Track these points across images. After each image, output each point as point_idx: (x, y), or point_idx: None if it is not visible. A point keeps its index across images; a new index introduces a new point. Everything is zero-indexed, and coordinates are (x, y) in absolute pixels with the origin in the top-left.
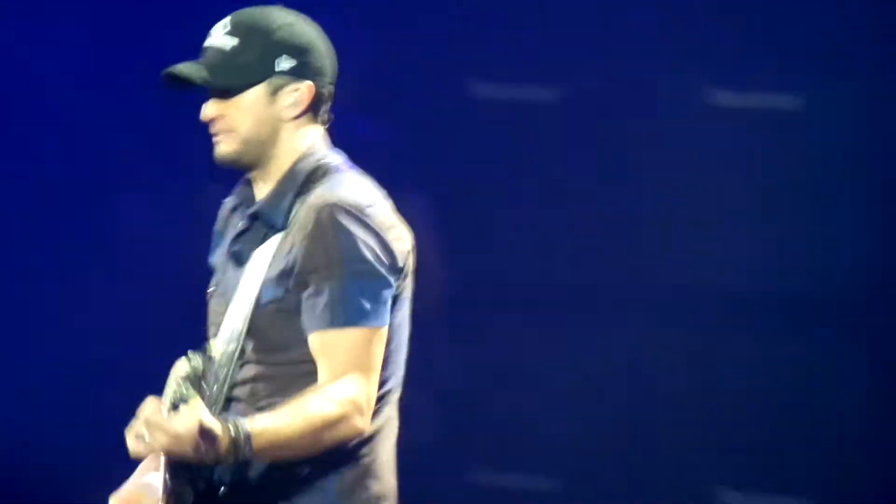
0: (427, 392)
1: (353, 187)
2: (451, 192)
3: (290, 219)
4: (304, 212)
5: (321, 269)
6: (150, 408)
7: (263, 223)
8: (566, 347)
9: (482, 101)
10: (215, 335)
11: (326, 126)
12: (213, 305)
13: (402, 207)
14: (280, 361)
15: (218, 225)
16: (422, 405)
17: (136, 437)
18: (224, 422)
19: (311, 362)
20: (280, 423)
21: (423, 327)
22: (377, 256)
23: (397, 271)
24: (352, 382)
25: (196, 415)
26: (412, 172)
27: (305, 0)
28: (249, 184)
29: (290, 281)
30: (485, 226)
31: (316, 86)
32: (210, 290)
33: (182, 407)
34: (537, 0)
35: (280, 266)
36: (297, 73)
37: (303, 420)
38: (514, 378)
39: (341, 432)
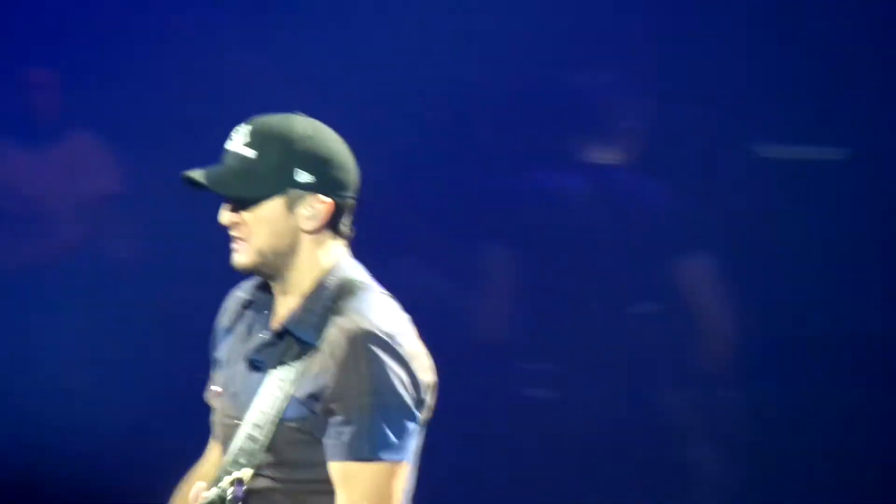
0: None
1: (384, 312)
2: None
3: (321, 336)
4: (335, 334)
5: (351, 398)
6: None
7: (292, 339)
8: None
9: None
10: (221, 437)
11: (349, 239)
12: (222, 407)
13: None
14: (297, 479)
15: (224, 319)
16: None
17: None
18: None
19: (327, 483)
20: None
21: None
22: (406, 389)
23: (422, 404)
24: None
25: None
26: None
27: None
28: (267, 287)
29: (317, 404)
30: None
31: (335, 201)
32: (215, 388)
33: None
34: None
35: (309, 388)
36: (316, 187)
37: None
38: None
39: None
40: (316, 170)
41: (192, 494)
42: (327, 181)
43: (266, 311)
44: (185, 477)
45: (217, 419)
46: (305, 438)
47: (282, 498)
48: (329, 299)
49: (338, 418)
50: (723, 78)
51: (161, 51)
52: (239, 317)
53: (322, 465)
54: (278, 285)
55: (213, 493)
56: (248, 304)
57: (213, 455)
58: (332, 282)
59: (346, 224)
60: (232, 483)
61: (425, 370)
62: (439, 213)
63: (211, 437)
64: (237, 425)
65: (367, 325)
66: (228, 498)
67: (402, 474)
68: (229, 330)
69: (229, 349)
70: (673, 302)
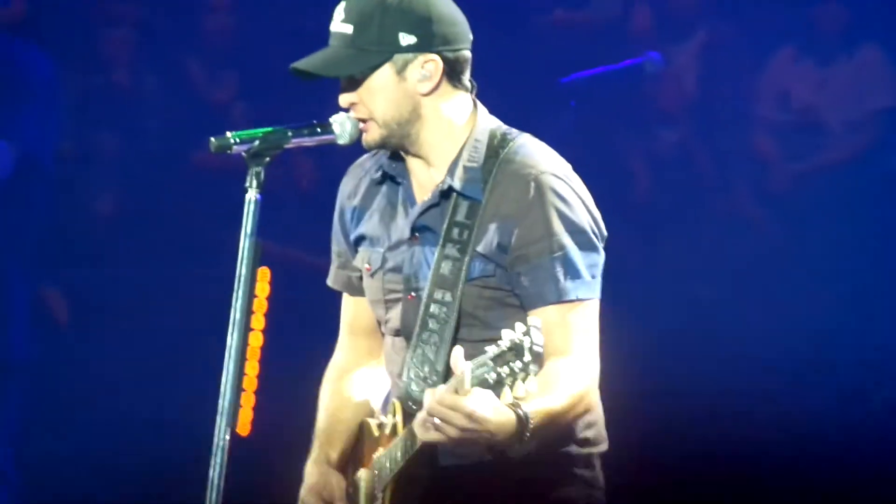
0: None
1: (550, 154)
2: None
3: (487, 190)
4: (508, 182)
5: (542, 241)
6: (440, 392)
7: (459, 198)
8: None
9: None
10: (381, 313)
11: (473, 92)
12: (381, 284)
13: None
14: (490, 338)
15: (353, 199)
16: None
17: (425, 424)
18: (510, 405)
19: None
20: (550, 403)
21: None
22: (590, 226)
23: (604, 239)
24: (588, 357)
25: (489, 396)
26: None
27: None
28: (396, 157)
29: (505, 256)
30: None
31: (445, 56)
32: (368, 266)
33: (476, 390)
34: None
35: (492, 241)
36: (422, 47)
37: (565, 398)
38: None
39: (585, 405)
40: (417, 30)
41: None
42: (432, 39)
43: (405, 182)
44: (330, 377)
45: (376, 296)
46: (494, 295)
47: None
48: (487, 152)
49: (530, 264)
50: None
51: None
52: (372, 194)
53: (510, 321)
54: (416, 153)
55: (506, 343)
56: (381, 179)
57: (356, 347)
58: (481, 134)
59: (465, 78)
60: (527, 332)
61: (597, 208)
62: None
63: (346, 331)
64: (408, 298)
65: (542, 168)
66: (531, 345)
67: (597, 311)
68: (363, 208)
69: (374, 225)
70: None
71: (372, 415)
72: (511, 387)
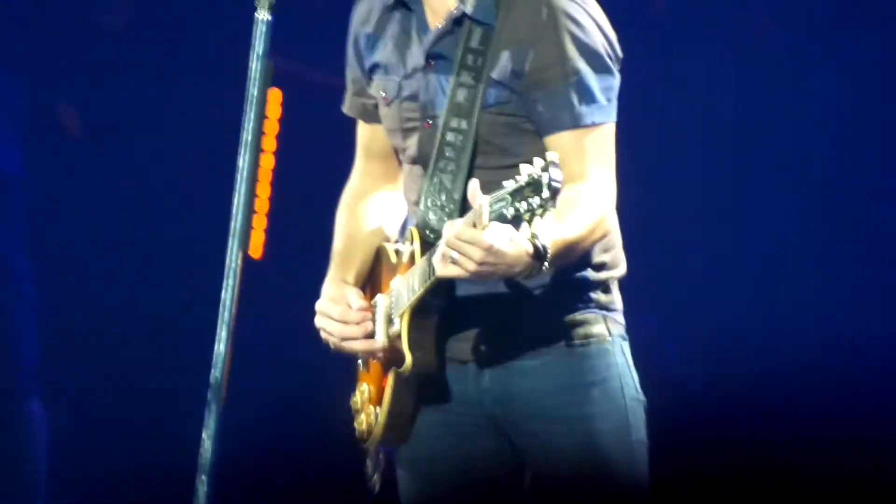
0: None
1: None
2: None
3: (499, 14)
4: (521, 5)
5: (557, 64)
6: (458, 226)
7: (472, 23)
8: None
9: None
10: (398, 141)
11: None
12: (398, 112)
13: None
14: (507, 165)
15: (365, 25)
16: None
17: (444, 258)
18: (528, 237)
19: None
20: (568, 232)
21: None
22: (606, 49)
23: (619, 61)
24: (606, 181)
25: (507, 229)
26: None
27: None
28: None
29: (519, 81)
30: None
31: None
32: (384, 95)
33: (494, 223)
34: None
35: (507, 67)
36: None
37: (583, 225)
38: None
39: (603, 230)
40: None
41: (472, 194)
42: None
43: (417, 7)
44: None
45: (390, 126)
46: (509, 122)
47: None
48: None
49: (544, 90)
50: None
51: None
52: (385, 20)
53: (527, 147)
54: None
55: (524, 178)
56: (393, 6)
57: (371, 171)
58: None
59: None
60: (546, 167)
61: (612, 28)
62: None
63: (361, 155)
64: (424, 126)
65: None
66: (549, 181)
67: (613, 134)
68: (377, 35)
69: (389, 53)
70: None
71: (388, 240)
72: (529, 222)
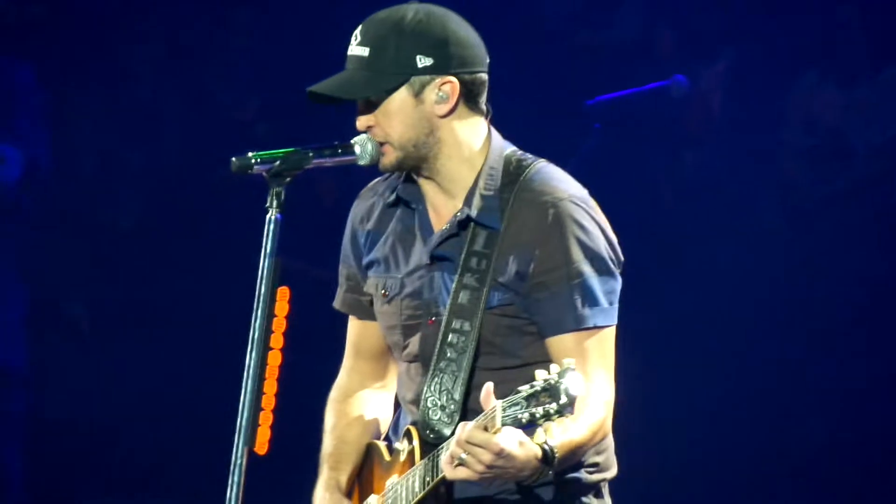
0: None
1: (567, 179)
2: None
3: (504, 218)
4: (526, 210)
5: (560, 267)
6: (469, 429)
7: (477, 227)
8: None
9: None
10: (397, 341)
11: (488, 117)
12: (397, 309)
13: None
14: (507, 366)
15: (365, 222)
16: None
17: (453, 460)
18: (538, 440)
19: (536, 365)
20: (573, 435)
21: None
22: (608, 252)
23: (621, 265)
24: (605, 384)
25: (517, 432)
26: None
27: None
28: (410, 180)
29: (524, 283)
30: None
31: (462, 78)
32: (385, 292)
33: (506, 428)
34: None
35: (511, 269)
36: (439, 69)
37: (587, 428)
38: None
39: (603, 433)
40: (434, 52)
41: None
42: (449, 60)
43: (420, 207)
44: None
45: (390, 323)
46: (512, 323)
47: (507, 387)
48: (503, 179)
49: (548, 292)
50: None
51: None
52: (386, 217)
53: (528, 349)
54: (433, 177)
55: (540, 383)
56: (395, 203)
57: (360, 370)
58: (496, 161)
59: (482, 101)
60: (563, 374)
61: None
62: None
63: (351, 353)
64: (428, 323)
65: (560, 195)
66: (567, 387)
67: (613, 337)
68: (377, 232)
69: (389, 251)
70: None
71: (379, 437)
72: (545, 428)
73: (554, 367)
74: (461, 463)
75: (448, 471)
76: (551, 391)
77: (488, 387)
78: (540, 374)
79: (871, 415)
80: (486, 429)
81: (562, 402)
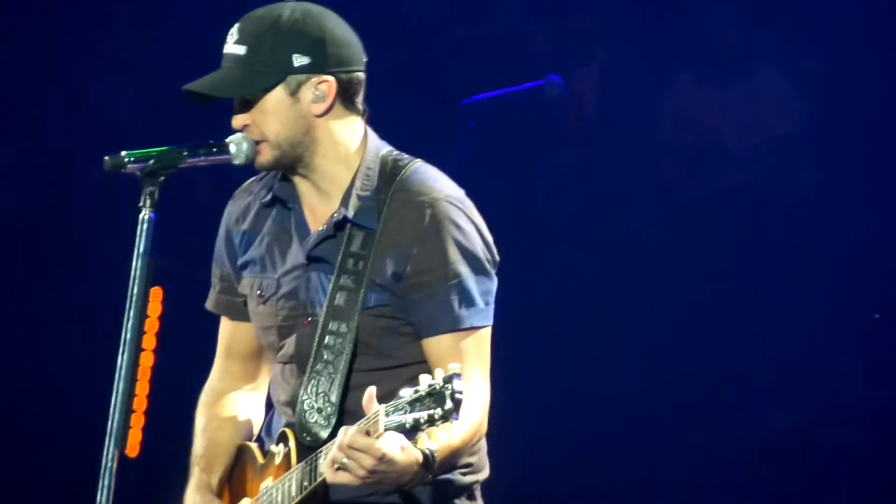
0: None
1: (443, 180)
2: None
3: (381, 219)
4: (402, 210)
5: (437, 268)
6: (351, 434)
7: (354, 227)
8: None
9: None
10: (271, 341)
11: (365, 116)
12: (273, 310)
13: None
14: (384, 367)
15: (241, 222)
16: None
17: (335, 464)
18: (416, 443)
19: (413, 366)
20: (452, 438)
21: None
22: (486, 253)
23: (496, 265)
24: (482, 385)
25: (399, 437)
26: None
27: None
28: (286, 180)
29: (400, 284)
30: None
31: (339, 78)
32: (260, 292)
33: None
34: None
35: (388, 270)
36: (315, 68)
37: (465, 431)
38: None
39: (480, 434)
40: (310, 51)
41: (367, 401)
42: (325, 60)
43: (296, 206)
44: (206, 401)
45: (265, 324)
46: (388, 324)
47: (384, 387)
48: (380, 180)
49: (425, 292)
50: None
51: None
52: (261, 217)
53: (404, 350)
54: (309, 177)
55: (424, 388)
56: (270, 202)
57: (231, 371)
58: (372, 161)
59: (359, 101)
60: (449, 379)
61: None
62: None
63: (222, 355)
64: (304, 323)
65: (436, 195)
66: (452, 392)
67: (489, 338)
68: (252, 233)
69: (264, 251)
70: None
71: (251, 439)
72: (428, 433)
73: (439, 373)
74: (342, 467)
75: (329, 475)
76: (436, 396)
77: (371, 391)
78: (424, 379)
79: (724, 410)
80: (368, 433)
81: (447, 407)
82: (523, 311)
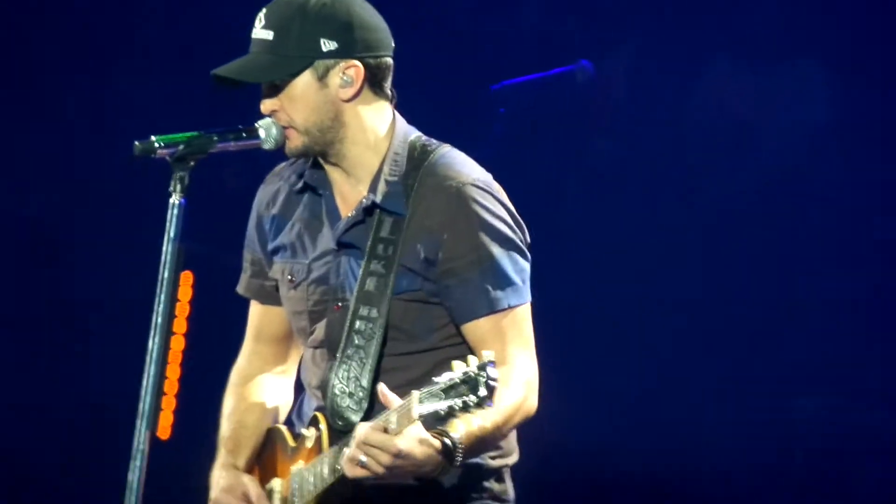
0: None
1: (470, 163)
2: None
3: (410, 204)
4: (430, 195)
5: (469, 251)
6: (367, 430)
7: (383, 213)
8: None
9: None
10: (303, 326)
11: (393, 102)
12: (304, 295)
13: None
14: (415, 351)
15: (271, 207)
16: None
17: (353, 461)
18: (438, 435)
19: (445, 349)
20: (483, 422)
21: None
22: (516, 231)
23: (528, 244)
24: (526, 364)
25: (417, 431)
26: None
27: None
28: (317, 166)
29: (432, 269)
30: None
31: (367, 63)
32: (291, 277)
33: (408, 427)
34: None
35: (419, 255)
36: (343, 53)
37: (501, 413)
38: None
39: (523, 415)
40: (338, 36)
41: (381, 395)
42: (353, 44)
43: (327, 192)
44: (235, 383)
45: (296, 308)
46: (420, 308)
47: (401, 377)
48: (408, 165)
49: (459, 277)
50: None
51: None
52: (292, 203)
53: (435, 334)
54: (339, 163)
55: (459, 375)
56: (303, 189)
57: (261, 354)
58: (400, 147)
59: (387, 86)
60: (483, 366)
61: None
62: None
63: (252, 337)
64: (334, 309)
65: (464, 179)
66: (486, 379)
67: (530, 314)
68: (283, 218)
69: (296, 236)
70: None
71: (278, 422)
72: (463, 420)
73: (473, 360)
74: (360, 464)
75: (349, 469)
76: (471, 383)
77: (381, 387)
78: (458, 366)
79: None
80: (385, 429)
81: (481, 394)
82: (554, 297)
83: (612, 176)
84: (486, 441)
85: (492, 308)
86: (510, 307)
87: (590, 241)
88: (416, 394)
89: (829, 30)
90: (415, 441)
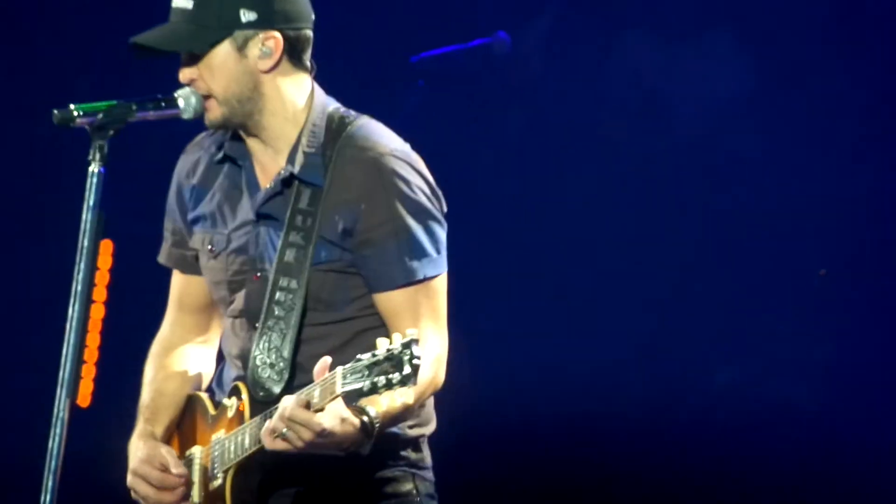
0: None
1: (389, 135)
2: None
3: (328, 175)
4: (349, 166)
5: (387, 222)
6: (291, 406)
7: (301, 184)
8: None
9: None
10: (222, 295)
11: (313, 73)
12: (224, 265)
13: None
14: (333, 321)
15: (194, 178)
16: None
17: (274, 434)
18: (357, 413)
19: (363, 319)
20: (400, 401)
21: None
22: (433, 201)
23: (445, 214)
24: (436, 338)
25: (340, 409)
26: None
27: None
28: (236, 138)
29: (350, 239)
30: None
31: (287, 34)
32: (211, 247)
33: (331, 402)
34: None
35: (337, 226)
36: (263, 24)
37: (413, 391)
38: None
39: (434, 386)
40: (258, 7)
41: (319, 371)
42: (273, 15)
43: (247, 163)
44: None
45: (215, 278)
46: (338, 279)
47: (319, 346)
48: (326, 136)
49: (376, 248)
50: None
51: None
52: (212, 173)
53: (354, 304)
54: (258, 134)
55: (383, 353)
56: (223, 160)
57: (183, 323)
58: (319, 118)
59: (306, 57)
60: (408, 344)
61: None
62: None
63: (174, 307)
64: (253, 279)
65: (382, 149)
66: (410, 357)
67: (445, 284)
68: (203, 188)
69: (216, 206)
70: None
71: (200, 389)
72: (371, 400)
73: (397, 337)
74: (281, 436)
75: (268, 441)
76: (394, 361)
77: (326, 360)
78: (382, 343)
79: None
80: (308, 405)
81: (405, 372)
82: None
83: (528, 147)
84: (398, 419)
85: (408, 279)
86: (426, 278)
87: (506, 212)
88: (340, 370)
89: (743, 1)
90: (337, 419)
